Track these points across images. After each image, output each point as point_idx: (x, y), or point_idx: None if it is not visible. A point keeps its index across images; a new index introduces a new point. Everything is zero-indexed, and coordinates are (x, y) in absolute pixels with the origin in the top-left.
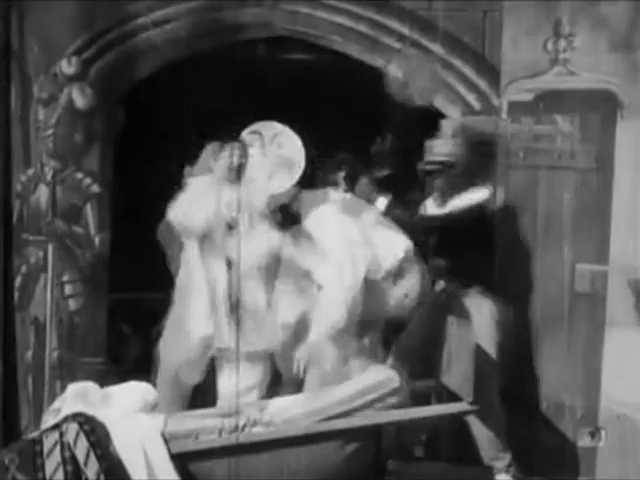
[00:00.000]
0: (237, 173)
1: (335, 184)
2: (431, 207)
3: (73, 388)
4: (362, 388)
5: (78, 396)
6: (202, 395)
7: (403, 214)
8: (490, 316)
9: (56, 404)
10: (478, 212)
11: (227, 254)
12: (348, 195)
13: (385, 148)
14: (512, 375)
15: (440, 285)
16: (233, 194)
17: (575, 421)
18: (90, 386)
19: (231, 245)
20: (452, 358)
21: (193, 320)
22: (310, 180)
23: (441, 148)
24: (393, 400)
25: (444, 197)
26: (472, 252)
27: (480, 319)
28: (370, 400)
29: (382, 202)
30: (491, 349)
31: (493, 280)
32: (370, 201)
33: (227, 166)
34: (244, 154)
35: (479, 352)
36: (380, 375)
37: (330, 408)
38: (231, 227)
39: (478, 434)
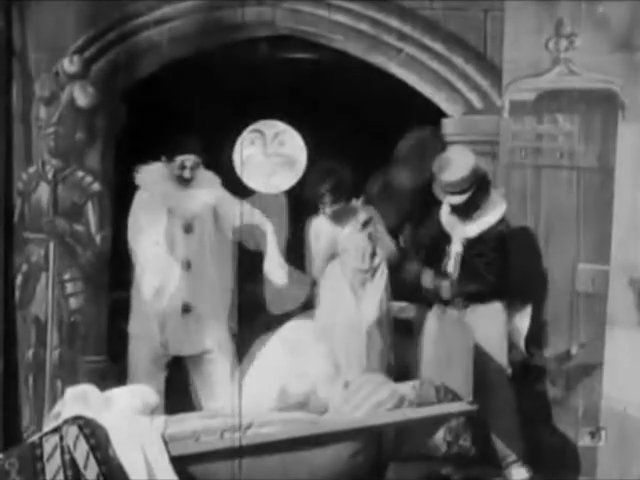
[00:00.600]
0: (189, 179)
1: (321, 197)
2: (451, 220)
3: (72, 392)
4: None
5: (77, 399)
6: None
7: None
8: (502, 326)
9: (56, 409)
10: (499, 230)
11: (184, 257)
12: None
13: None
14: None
15: (458, 302)
16: (187, 199)
17: (576, 420)
18: (89, 389)
19: (188, 248)
20: (451, 359)
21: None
22: (298, 192)
23: (455, 174)
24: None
25: (466, 212)
26: (490, 267)
27: (492, 329)
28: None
29: (428, 276)
30: (503, 358)
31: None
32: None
33: (179, 174)
34: (196, 162)
35: (489, 361)
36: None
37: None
38: (187, 231)
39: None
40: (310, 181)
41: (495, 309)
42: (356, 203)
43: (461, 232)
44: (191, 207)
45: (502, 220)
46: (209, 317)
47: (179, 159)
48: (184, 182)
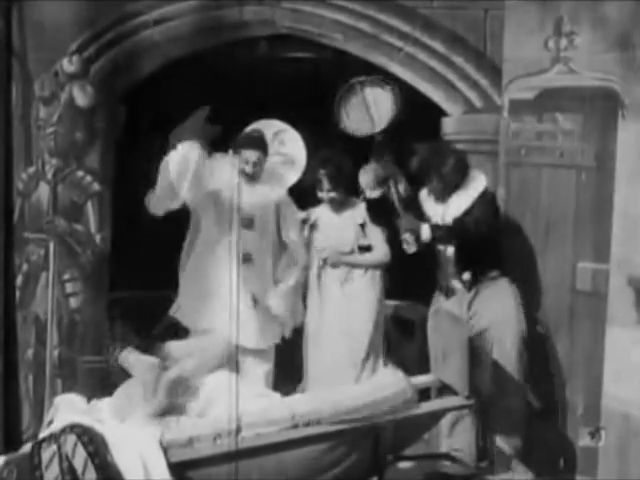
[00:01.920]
0: (253, 174)
1: (319, 183)
2: (428, 202)
3: (60, 399)
4: (376, 399)
5: (68, 407)
6: None
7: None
8: (514, 301)
9: (49, 416)
10: (484, 201)
11: (244, 250)
12: None
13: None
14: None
15: (466, 276)
16: (251, 194)
17: (576, 419)
18: (75, 398)
19: (248, 242)
20: (446, 354)
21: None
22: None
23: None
24: (401, 409)
25: (442, 194)
26: (490, 238)
27: (505, 306)
28: (380, 412)
29: (427, 230)
30: (515, 339)
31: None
32: (413, 231)
33: (242, 169)
34: (260, 159)
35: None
36: (395, 386)
37: (340, 414)
38: (247, 226)
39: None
40: (309, 166)
41: (502, 287)
42: (358, 200)
43: (444, 213)
44: (254, 202)
45: (485, 193)
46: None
47: (245, 153)
48: (248, 177)
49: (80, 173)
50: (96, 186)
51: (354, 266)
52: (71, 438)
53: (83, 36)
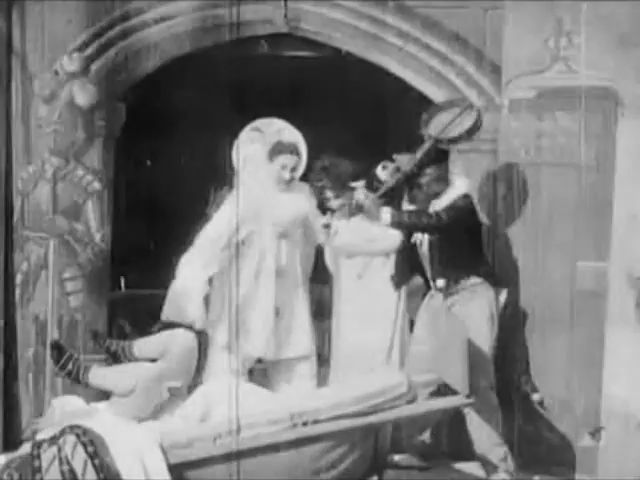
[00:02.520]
0: (288, 183)
1: (321, 193)
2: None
3: (59, 400)
4: (371, 392)
5: (67, 408)
6: None
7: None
8: (488, 308)
9: (47, 419)
10: (463, 203)
11: (278, 263)
12: None
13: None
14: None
15: (440, 283)
16: (285, 204)
17: (576, 418)
18: (73, 399)
19: (282, 255)
20: (446, 352)
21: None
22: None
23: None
24: (397, 404)
25: (423, 203)
26: (466, 243)
27: (478, 312)
28: (375, 404)
29: (386, 213)
30: (488, 341)
31: (487, 266)
32: (376, 215)
33: (279, 176)
34: (298, 164)
35: (472, 346)
36: (390, 379)
37: (336, 408)
38: (282, 236)
39: (474, 426)
40: (308, 179)
41: (477, 299)
42: (357, 184)
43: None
44: (289, 213)
45: (466, 196)
46: (297, 322)
47: (280, 159)
48: (282, 185)
49: (80, 172)
50: (96, 185)
51: (369, 255)
52: (71, 439)
53: (83, 34)
